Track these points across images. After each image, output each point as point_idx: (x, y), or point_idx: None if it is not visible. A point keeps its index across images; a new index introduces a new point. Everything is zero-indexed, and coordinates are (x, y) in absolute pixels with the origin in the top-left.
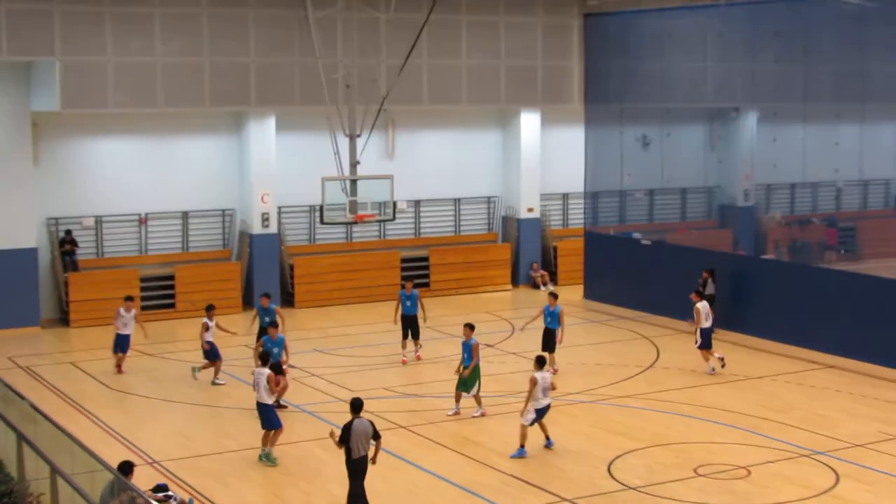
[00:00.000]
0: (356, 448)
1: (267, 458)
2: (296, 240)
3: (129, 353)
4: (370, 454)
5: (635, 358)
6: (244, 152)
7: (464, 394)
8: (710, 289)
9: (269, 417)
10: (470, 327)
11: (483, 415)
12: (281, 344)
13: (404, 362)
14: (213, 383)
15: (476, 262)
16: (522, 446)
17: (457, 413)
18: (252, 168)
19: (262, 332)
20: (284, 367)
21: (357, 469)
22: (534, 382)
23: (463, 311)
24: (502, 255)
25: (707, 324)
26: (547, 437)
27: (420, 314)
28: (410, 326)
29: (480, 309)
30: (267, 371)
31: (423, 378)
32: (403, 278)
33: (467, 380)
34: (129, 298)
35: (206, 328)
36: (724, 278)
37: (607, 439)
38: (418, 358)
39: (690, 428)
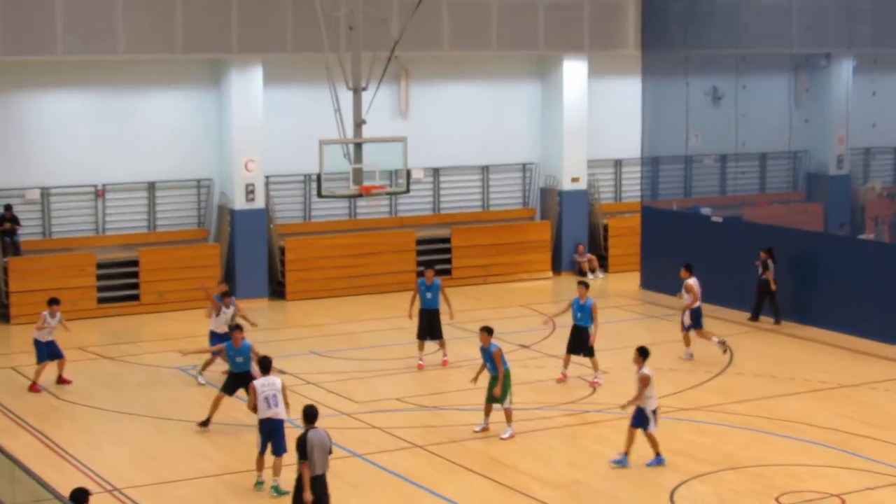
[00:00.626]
0: (313, 465)
1: (277, 492)
2: (287, 217)
3: (65, 357)
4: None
5: (703, 361)
6: (224, 110)
7: (494, 406)
8: (768, 272)
9: (283, 439)
10: (487, 331)
11: (512, 437)
12: (247, 353)
13: (421, 367)
14: (198, 377)
15: (509, 243)
16: (626, 453)
17: (485, 429)
18: (234, 129)
19: (230, 375)
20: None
21: (318, 493)
22: (646, 381)
23: (492, 304)
24: (541, 236)
25: (697, 304)
26: (658, 453)
27: (444, 309)
28: (430, 324)
29: (514, 301)
30: (279, 381)
31: (443, 387)
32: (421, 265)
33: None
34: (53, 301)
35: (218, 312)
36: (808, 262)
37: (670, 461)
38: (444, 363)
39: (770, 447)
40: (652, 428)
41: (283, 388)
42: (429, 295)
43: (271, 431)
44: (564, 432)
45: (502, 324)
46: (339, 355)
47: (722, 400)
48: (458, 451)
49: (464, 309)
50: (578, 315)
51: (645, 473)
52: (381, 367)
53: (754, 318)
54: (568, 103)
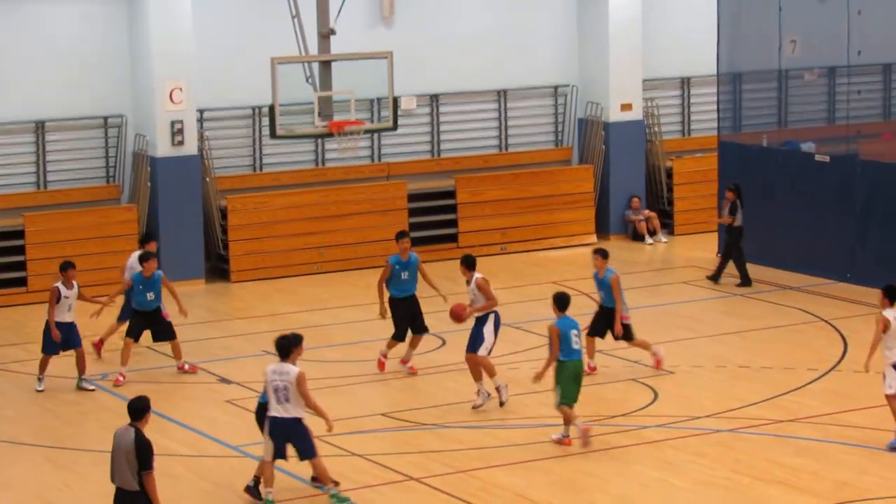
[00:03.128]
0: (112, 473)
1: (338, 499)
2: (230, 167)
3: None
4: None
5: (806, 355)
6: (139, 18)
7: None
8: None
9: (310, 439)
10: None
11: (563, 443)
12: (158, 286)
13: (413, 371)
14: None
15: (536, 198)
16: None
17: (563, 441)
18: (152, 46)
19: (135, 315)
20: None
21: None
22: (886, 325)
23: (513, 280)
24: (580, 186)
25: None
26: None
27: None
28: (411, 316)
29: (543, 278)
30: (296, 369)
31: (446, 396)
32: (417, 229)
33: (565, 384)
34: (68, 266)
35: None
36: None
37: (760, 491)
38: (412, 370)
39: None
40: (889, 390)
41: (302, 377)
42: (405, 275)
43: (291, 432)
44: (613, 456)
45: (527, 309)
46: (303, 356)
47: (832, 408)
48: (468, 484)
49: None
50: (602, 294)
51: None
52: (360, 372)
53: (745, 282)
54: (615, 1)
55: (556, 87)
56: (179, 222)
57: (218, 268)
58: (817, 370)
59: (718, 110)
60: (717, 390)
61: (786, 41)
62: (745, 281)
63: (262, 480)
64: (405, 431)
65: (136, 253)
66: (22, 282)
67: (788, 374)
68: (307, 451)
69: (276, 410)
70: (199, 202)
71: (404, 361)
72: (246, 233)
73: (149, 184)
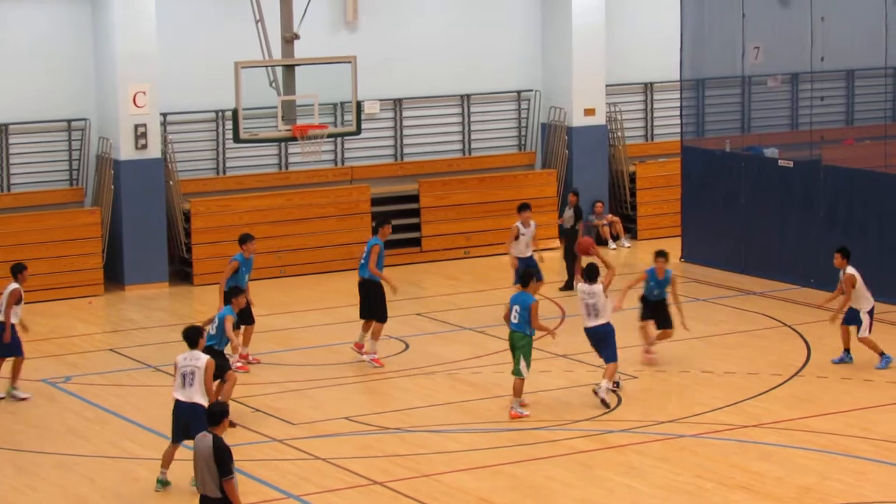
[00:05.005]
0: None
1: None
2: (194, 170)
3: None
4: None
5: (769, 360)
6: (102, 21)
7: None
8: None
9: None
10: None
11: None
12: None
13: (378, 364)
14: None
15: (499, 202)
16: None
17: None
18: (116, 50)
19: None
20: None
21: None
22: (851, 281)
23: (476, 285)
24: (543, 191)
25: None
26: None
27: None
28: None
29: (506, 282)
30: (206, 357)
31: (410, 400)
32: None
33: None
34: (20, 269)
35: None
36: None
37: (723, 496)
38: (376, 363)
39: (863, 478)
40: (864, 333)
41: (210, 365)
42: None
43: (184, 416)
44: (577, 460)
45: (490, 313)
46: (267, 360)
47: (796, 413)
48: (431, 488)
49: (439, 293)
50: (655, 292)
51: None
52: (324, 376)
53: (569, 286)
54: (579, 6)
55: (519, 92)
56: (143, 225)
57: (181, 271)
58: (781, 375)
59: (682, 116)
60: (681, 395)
61: (749, 47)
62: (569, 285)
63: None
64: (368, 435)
65: None
66: None
67: (752, 380)
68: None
69: (179, 394)
70: (163, 205)
71: (359, 346)
72: (209, 236)
73: (112, 187)
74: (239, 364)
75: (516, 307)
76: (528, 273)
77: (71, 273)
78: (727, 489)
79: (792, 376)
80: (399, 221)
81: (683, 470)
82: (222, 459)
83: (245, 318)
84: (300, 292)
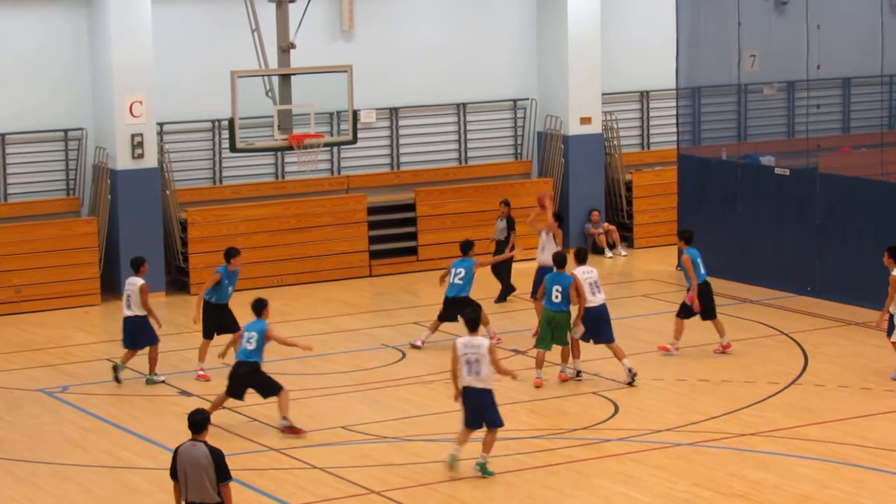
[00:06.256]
0: (184, 490)
1: (483, 470)
2: (190, 180)
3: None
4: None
5: (767, 369)
6: (99, 32)
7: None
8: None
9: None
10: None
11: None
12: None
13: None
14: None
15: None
16: None
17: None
18: (113, 59)
19: None
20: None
21: None
22: None
23: (475, 293)
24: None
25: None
26: None
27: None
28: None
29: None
30: (486, 343)
31: (407, 409)
32: (377, 241)
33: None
34: (139, 262)
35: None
36: None
37: None
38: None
39: (861, 486)
40: None
41: (492, 352)
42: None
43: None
44: (574, 469)
45: (494, 321)
46: (263, 369)
47: (793, 422)
48: (429, 497)
49: (431, 302)
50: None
51: None
52: (321, 385)
53: (501, 299)
54: (574, 15)
55: (515, 101)
56: (139, 235)
57: (178, 280)
58: (778, 384)
59: (678, 124)
60: (678, 404)
61: (745, 55)
62: (502, 297)
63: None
64: (366, 444)
65: None
66: None
67: (749, 388)
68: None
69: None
70: (160, 215)
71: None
72: (206, 245)
73: (109, 196)
74: (201, 373)
75: (557, 287)
76: (562, 257)
77: (68, 283)
78: (725, 498)
79: (789, 385)
80: (396, 230)
81: (681, 479)
82: (223, 465)
83: (230, 326)
84: (297, 301)
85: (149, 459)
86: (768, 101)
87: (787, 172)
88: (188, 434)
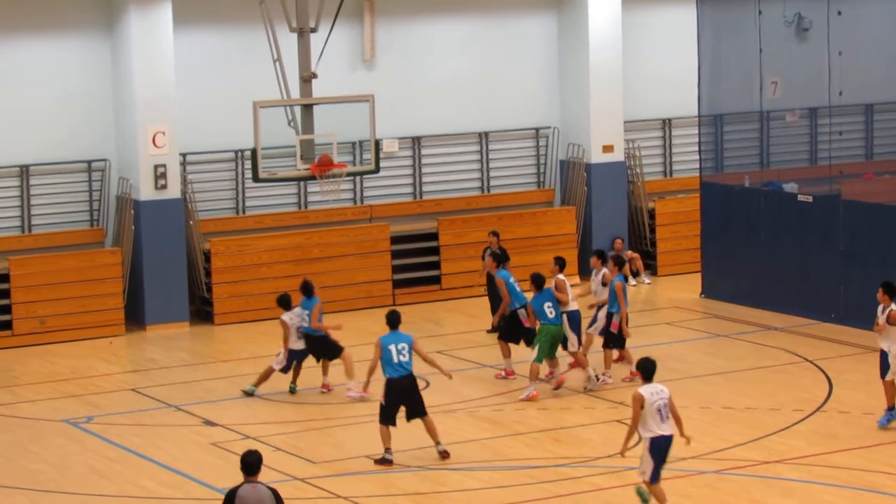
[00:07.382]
0: None
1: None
2: (213, 210)
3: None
4: None
5: (791, 396)
6: (122, 63)
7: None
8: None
9: None
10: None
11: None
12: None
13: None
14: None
15: (518, 239)
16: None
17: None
18: (135, 90)
19: None
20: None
21: None
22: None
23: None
24: (562, 228)
25: None
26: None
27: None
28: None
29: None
30: (667, 390)
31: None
32: (399, 270)
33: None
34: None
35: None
36: None
37: None
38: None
39: None
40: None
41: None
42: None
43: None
44: (599, 498)
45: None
46: (287, 399)
47: (818, 449)
48: None
49: (455, 332)
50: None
51: None
52: (345, 414)
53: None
54: (595, 41)
55: (537, 129)
56: (163, 265)
57: (202, 310)
58: (803, 411)
59: (700, 151)
60: (703, 431)
61: (767, 82)
62: (495, 327)
63: None
64: (390, 473)
65: None
66: (7, 325)
67: (774, 415)
68: None
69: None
70: (183, 245)
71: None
72: (229, 275)
73: (132, 227)
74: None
75: (547, 304)
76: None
77: (92, 313)
78: None
79: (814, 412)
80: (419, 259)
81: None
82: None
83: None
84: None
85: (174, 489)
86: (791, 128)
87: (811, 199)
88: (212, 464)
